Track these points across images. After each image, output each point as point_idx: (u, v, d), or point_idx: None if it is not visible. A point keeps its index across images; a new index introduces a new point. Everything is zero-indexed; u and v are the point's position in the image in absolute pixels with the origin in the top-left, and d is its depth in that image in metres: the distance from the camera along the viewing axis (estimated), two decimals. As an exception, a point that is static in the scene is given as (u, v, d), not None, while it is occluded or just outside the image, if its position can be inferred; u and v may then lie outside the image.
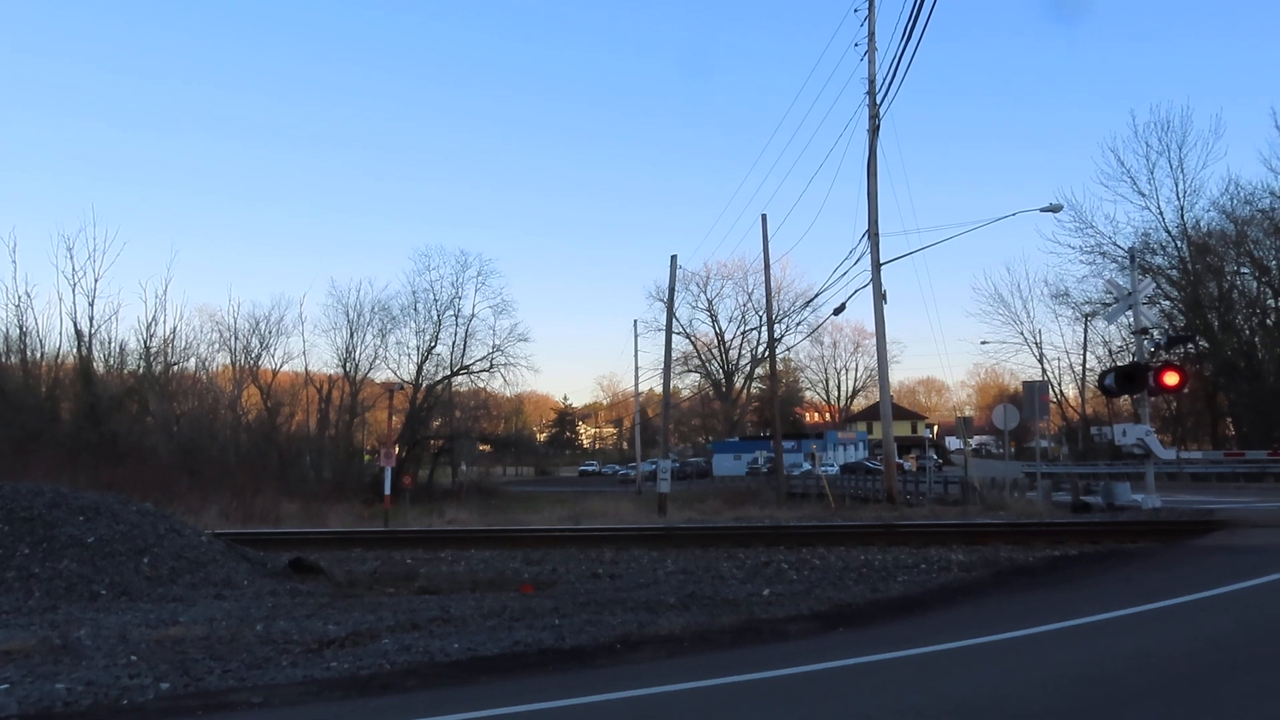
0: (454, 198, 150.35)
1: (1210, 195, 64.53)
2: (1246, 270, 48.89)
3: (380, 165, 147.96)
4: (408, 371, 67.03)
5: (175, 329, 59.70)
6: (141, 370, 56.31)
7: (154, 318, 58.11)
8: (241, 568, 12.57)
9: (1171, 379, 19.81)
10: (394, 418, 56.49)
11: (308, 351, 74.11)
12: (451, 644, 7.71)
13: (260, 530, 21.39)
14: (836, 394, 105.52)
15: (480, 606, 9.78)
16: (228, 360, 65.18)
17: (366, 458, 66.75)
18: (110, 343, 55.26)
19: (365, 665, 7.04)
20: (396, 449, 51.85)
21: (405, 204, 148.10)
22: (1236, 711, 5.00)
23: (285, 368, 68.33)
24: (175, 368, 59.18)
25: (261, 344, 65.64)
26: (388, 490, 36.19)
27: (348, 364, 67.00)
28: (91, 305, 52.91)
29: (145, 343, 56.31)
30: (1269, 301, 48.50)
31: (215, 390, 62.20)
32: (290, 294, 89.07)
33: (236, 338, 64.57)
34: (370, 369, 67.62)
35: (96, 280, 53.17)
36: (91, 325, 52.82)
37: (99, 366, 54.21)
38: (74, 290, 53.05)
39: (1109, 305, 28.41)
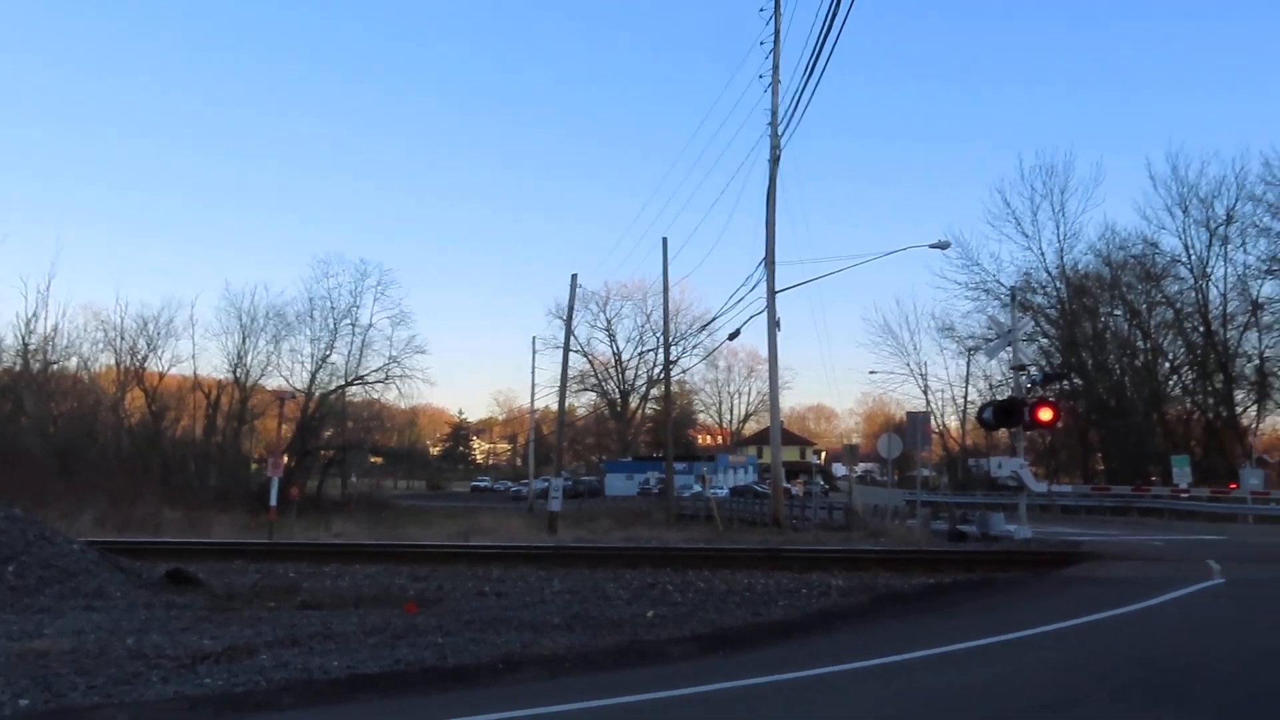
0: (356, 206, 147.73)
1: (1088, 240, 67.82)
2: (1119, 313, 51.51)
3: (280, 168, 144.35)
4: (301, 380, 65.38)
5: (57, 326, 56.94)
6: (18, 368, 53.64)
7: (34, 314, 55.41)
8: (115, 578, 12.14)
9: (1045, 415, 20.79)
10: (284, 426, 54.96)
11: (197, 355, 71.43)
12: (331, 661, 7.63)
13: (138, 539, 20.64)
14: (729, 417, 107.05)
15: (363, 623, 9.67)
16: (112, 361, 62.60)
17: (254, 466, 64.67)
18: (-15, 338, 52.58)
19: (240, 682, 6.91)
20: (285, 458, 50.38)
21: (306, 209, 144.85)
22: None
23: (173, 371, 65.86)
24: (55, 366, 56.53)
25: (149, 345, 63.18)
26: (273, 501, 35.10)
27: (238, 370, 64.95)
28: (-35, 299, 50.31)
29: (24, 339, 53.79)
30: (1139, 343, 51.15)
31: (97, 391, 59.56)
32: (182, 295, 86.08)
33: (122, 338, 62.04)
34: (262, 375, 65.69)
35: (-29, 273, 50.58)
36: (-36, 319, 50.13)
37: (-30, 362, 51.45)
38: (-56, 282, 50.35)
39: (991, 341, 29.65)
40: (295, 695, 6.56)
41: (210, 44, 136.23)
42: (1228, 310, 47.01)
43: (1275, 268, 44.88)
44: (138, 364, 62.84)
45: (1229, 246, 46.44)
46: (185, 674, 7.17)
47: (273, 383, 64.72)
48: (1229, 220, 46.00)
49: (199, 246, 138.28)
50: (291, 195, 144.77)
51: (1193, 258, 47.35)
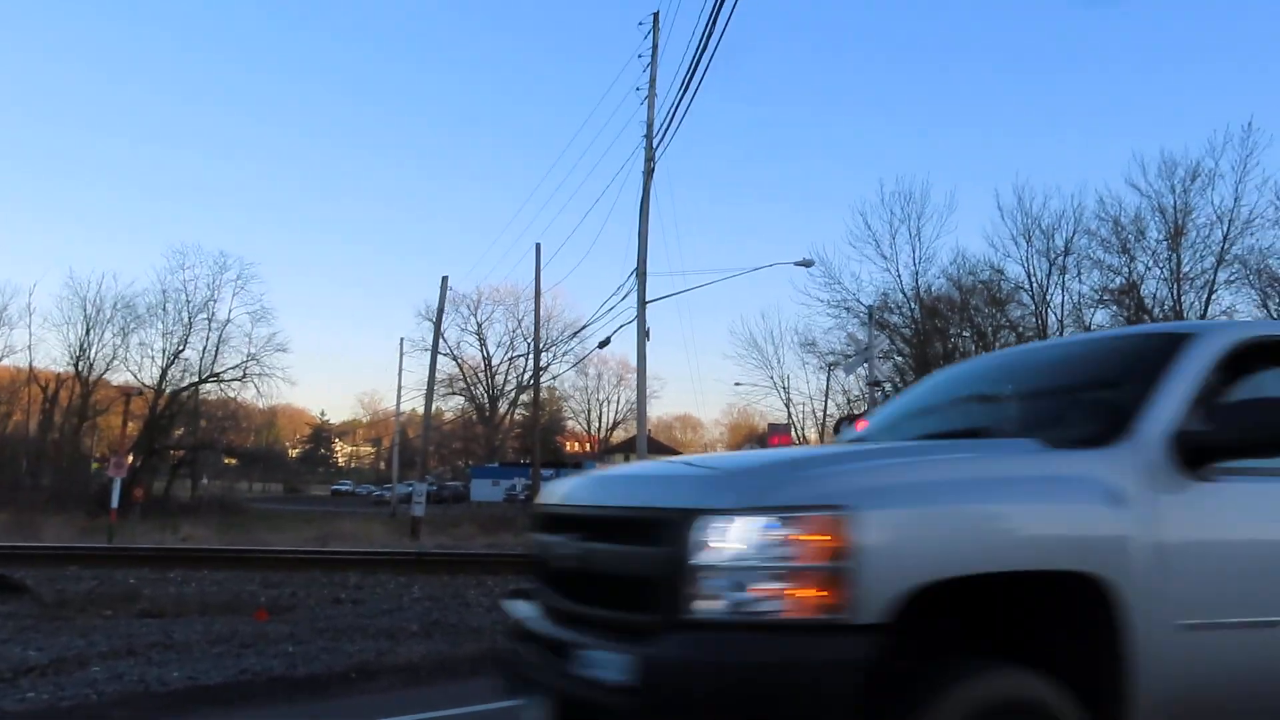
0: (216, 194, 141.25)
1: (941, 264, 70.85)
2: (968, 334, 54.19)
3: (132, 149, 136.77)
4: (150, 375, 62.15)
5: None
6: None
7: None
8: (-70, 585, 11.31)
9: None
10: (130, 424, 52.27)
11: (34, 346, 67.16)
12: (171, 672, 7.30)
13: (-43, 543, 19.25)
14: (598, 425, 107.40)
15: (209, 632, 9.29)
16: (-65, 349, 58.24)
17: (95, 466, 61.20)
18: None
19: (68, 695, 6.53)
20: (130, 458, 47.88)
21: (161, 195, 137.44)
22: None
23: (5, 362, 61.76)
24: None
25: (-23, 334, 59.10)
26: (115, 503, 33.35)
27: (80, 363, 61.29)
28: None
29: None
30: (985, 364, 54.02)
31: (-86, 382, 55.35)
32: (17, 281, 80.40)
33: (-54, 326, 57.80)
34: (107, 369, 62.14)
35: None
36: None
37: None
38: None
39: (850, 357, 30.70)
40: (129, 709, 6.26)
41: (51, 5, 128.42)
42: (1064, 335, 50.25)
43: (1106, 298, 48.25)
44: (-36, 353, 58.76)
45: (1066, 276, 49.54)
46: (5, 688, 6.74)
47: (119, 378, 61.25)
48: (1067, 251, 49.10)
49: (38, 228, 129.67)
50: (145, 180, 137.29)
51: (1034, 285, 50.33)
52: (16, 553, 16.88)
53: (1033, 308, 50.90)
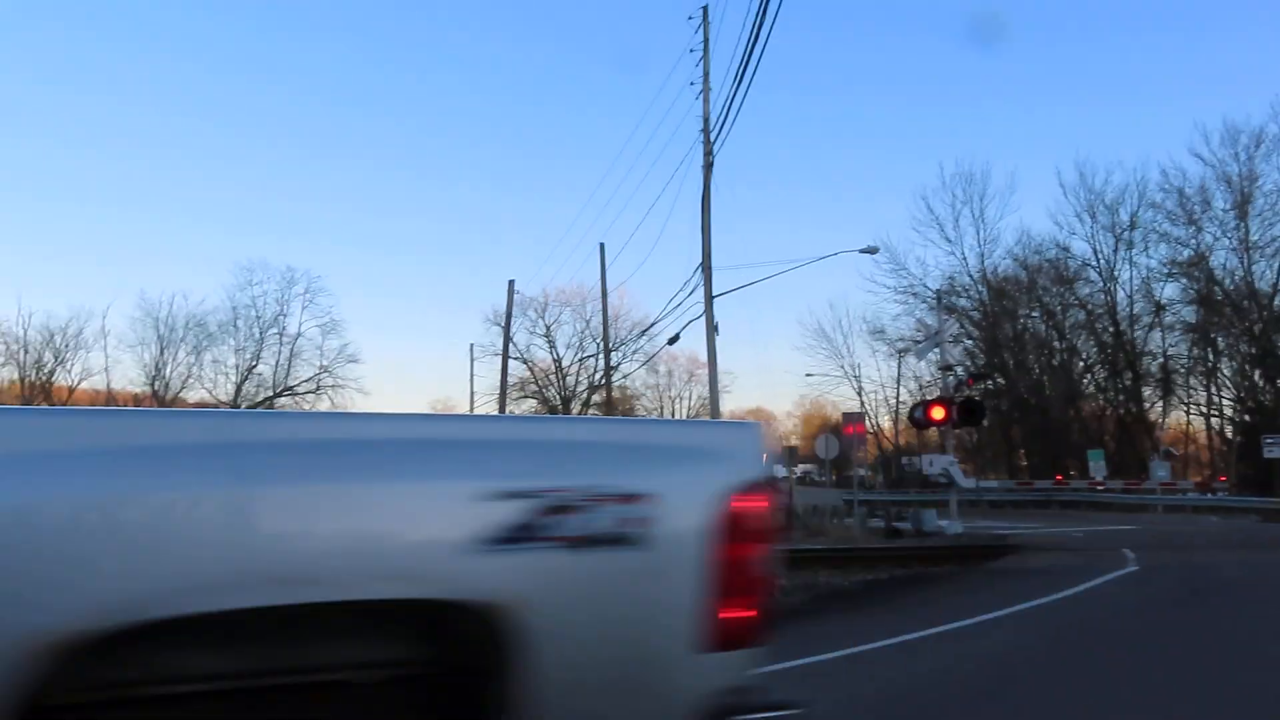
0: (280, 211, 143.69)
1: (1006, 244, 69.78)
2: (1036, 314, 53.34)
3: (199, 172, 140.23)
4: (225, 392, 63.95)
5: (-47, 340, 55.01)
6: (-81, 384, 51.71)
7: (-69, 329, 53.48)
8: None
9: (970, 414, 21.64)
10: (210, 440, 53.80)
11: (110, 368, 69.53)
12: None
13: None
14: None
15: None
16: (15, 375, 60.56)
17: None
18: (-126, 354, 50.49)
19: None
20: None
21: (227, 215, 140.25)
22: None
23: (84, 385, 63.82)
24: (-44, 382, 54.58)
25: (56, 358, 61.27)
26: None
27: (156, 382, 63.18)
28: None
29: (-78, 355, 51.79)
30: (1055, 343, 53.04)
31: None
32: (92, 306, 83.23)
33: (26, 351, 59.93)
34: (183, 388, 63.99)
35: None
36: None
37: None
38: None
39: (919, 343, 30.58)
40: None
41: (117, 43, 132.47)
42: (1134, 311, 49.26)
43: (1175, 271, 47.11)
44: (44, 378, 60.87)
45: (1133, 250, 48.57)
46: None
47: (195, 395, 63.16)
48: (1132, 225, 48.10)
49: (110, 254, 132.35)
50: (211, 201, 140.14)
51: (1101, 261, 49.44)
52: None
53: (1101, 284, 50.00)
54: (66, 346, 61.39)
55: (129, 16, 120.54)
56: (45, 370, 61.06)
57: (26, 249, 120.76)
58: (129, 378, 77.79)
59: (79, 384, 63.19)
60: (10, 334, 60.22)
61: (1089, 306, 50.97)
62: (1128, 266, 48.91)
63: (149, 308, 69.98)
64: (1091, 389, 52.98)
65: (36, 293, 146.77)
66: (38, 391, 60.47)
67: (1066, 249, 50.59)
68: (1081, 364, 52.98)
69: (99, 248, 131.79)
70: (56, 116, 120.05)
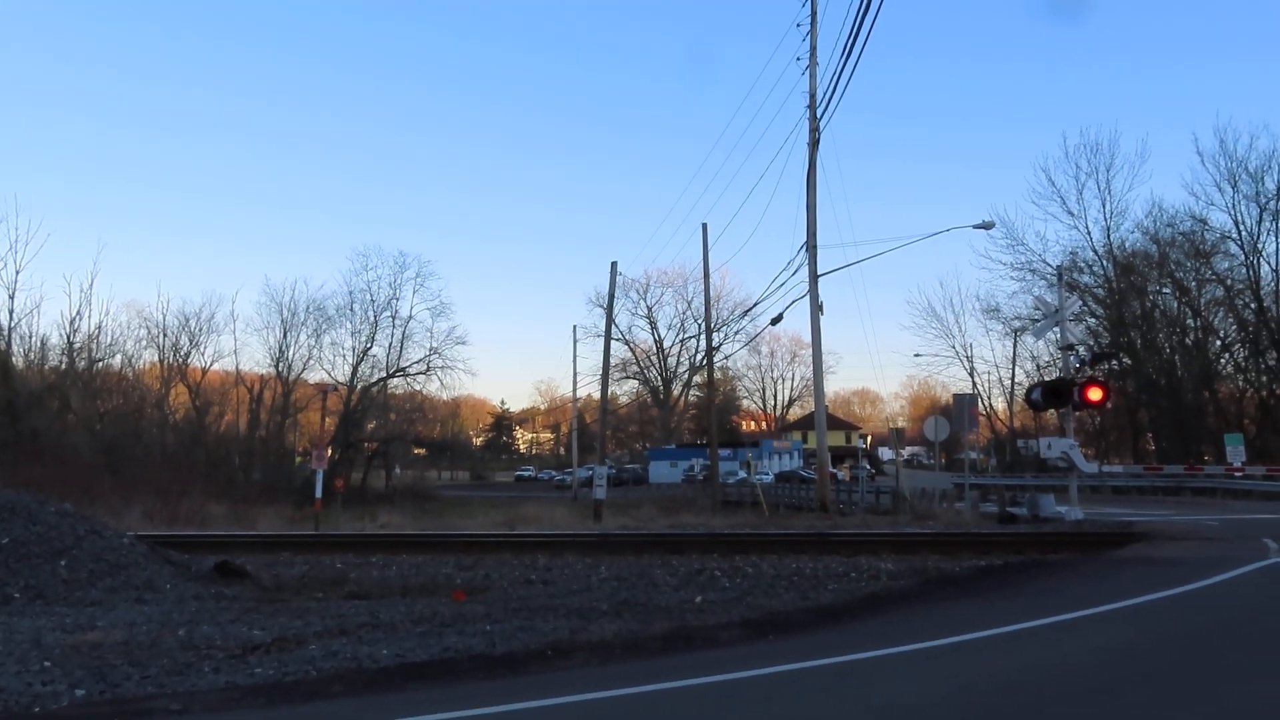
0: (393, 198, 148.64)
1: (1135, 217, 66.57)
2: (1168, 291, 50.53)
3: (319, 163, 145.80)
4: (342, 373, 66.10)
5: (100, 325, 57.80)
6: (64, 366, 54.63)
7: (78, 312, 56.34)
8: (165, 571, 12.27)
9: (1095, 395, 20.39)
10: (327, 419, 55.63)
11: (239, 350, 72.66)
12: (380, 650, 7.63)
13: (186, 533, 20.93)
14: (773, 403, 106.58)
15: (411, 612, 9.68)
16: (155, 358, 63.64)
17: (298, 460, 65.55)
18: (31, 338, 53.52)
19: (290, 671, 6.92)
20: (329, 451, 51.02)
21: (344, 203, 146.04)
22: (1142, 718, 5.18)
23: (215, 366, 66.92)
24: (99, 364, 57.43)
25: (191, 342, 64.27)
26: (319, 493, 35.59)
27: (280, 364, 65.80)
28: (12, 298, 51.30)
29: (68, 338, 54.75)
30: (1188, 321, 50.21)
31: (141, 388, 60.54)
32: (222, 291, 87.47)
33: (165, 335, 63.04)
34: (304, 369, 66.52)
35: (18, 273, 51.66)
36: (11, 319, 51.20)
37: (18, 362, 52.40)
38: (-8, 283, 51.29)
39: (1037, 321, 29.11)
40: (345, 684, 6.56)
41: (244, 43, 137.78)
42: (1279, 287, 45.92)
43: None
44: (180, 360, 63.95)
45: (1279, 222, 45.36)
46: (236, 664, 7.21)
47: (315, 376, 65.57)
48: (1279, 195, 44.91)
49: (238, 242, 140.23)
50: (330, 190, 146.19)
51: (1243, 233, 46.35)
52: (237, 541, 18.20)
53: (1242, 258, 46.81)
54: (200, 330, 64.28)
55: (251, 18, 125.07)
56: (182, 353, 63.99)
57: (164, 239, 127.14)
58: (255, 359, 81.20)
59: (211, 365, 66.01)
60: (151, 319, 63.27)
61: (1228, 281, 47.93)
62: (1273, 238, 45.70)
63: (273, 293, 73.27)
64: (1230, 369, 50.03)
65: (173, 280, 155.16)
66: (175, 373, 63.33)
67: (1204, 221, 47.74)
68: (1219, 343, 49.99)
69: (228, 237, 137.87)
70: (184, 115, 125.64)
